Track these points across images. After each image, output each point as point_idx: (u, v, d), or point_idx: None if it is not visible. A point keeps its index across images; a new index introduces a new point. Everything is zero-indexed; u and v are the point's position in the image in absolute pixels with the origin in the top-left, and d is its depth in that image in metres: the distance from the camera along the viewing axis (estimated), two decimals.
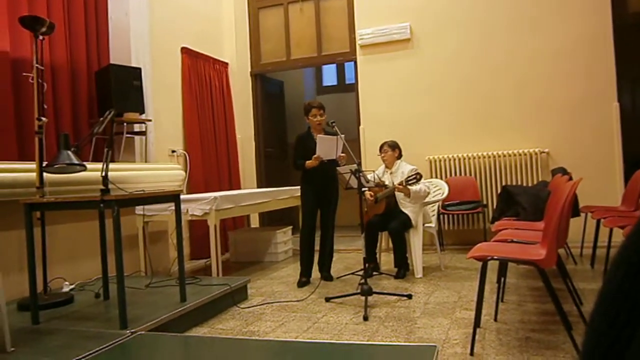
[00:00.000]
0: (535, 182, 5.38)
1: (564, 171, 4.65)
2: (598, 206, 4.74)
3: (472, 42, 5.85)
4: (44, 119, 3.39)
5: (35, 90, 3.40)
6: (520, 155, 5.61)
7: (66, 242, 4.04)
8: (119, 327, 2.78)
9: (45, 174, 3.38)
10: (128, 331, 2.73)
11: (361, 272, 3.80)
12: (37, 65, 3.40)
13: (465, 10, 5.87)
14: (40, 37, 3.44)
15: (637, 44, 5.51)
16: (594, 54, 5.41)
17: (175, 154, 5.52)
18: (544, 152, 5.55)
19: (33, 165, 3.43)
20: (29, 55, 3.89)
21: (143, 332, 2.78)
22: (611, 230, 4.02)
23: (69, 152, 3.17)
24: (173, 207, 3.43)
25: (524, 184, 5.46)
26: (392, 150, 4.68)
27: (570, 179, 3.69)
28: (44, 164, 3.32)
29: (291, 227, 6.09)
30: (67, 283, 3.81)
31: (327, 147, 4.19)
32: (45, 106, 3.53)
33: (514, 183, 5.55)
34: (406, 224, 4.44)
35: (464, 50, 5.88)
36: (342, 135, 4.14)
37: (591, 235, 4.44)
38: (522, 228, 3.72)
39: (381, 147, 4.75)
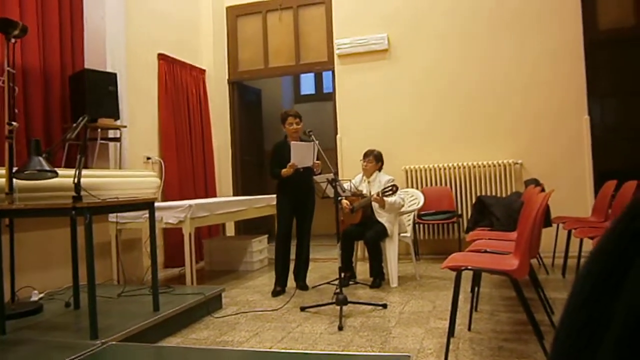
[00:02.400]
0: (509, 193, 5.46)
1: (536, 182, 4.74)
2: (569, 217, 4.84)
3: (449, 55, 5.95)
4: (14, 123, 3.32)
5: (6, 93, 3.33)
6: (494, 166, 5.70)
7: (36, 250, 3.94)
8: (89, 337, 2.72)
9: (15, 180, 3.30)
10: (99, 341, 2.67)
11: (337, 282, 3.79)
12: (8, 68, 3.33)
13: (443, 23, 5.96)
14: (12, 40, 3.38)
15: (607, 59, 5.69)
16: (566, 69, 5.55)
17: (150, 161, 5.45)
18: (517, 164, 5.65)
19: (2, 171, 3.35)
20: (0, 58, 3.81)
21: (114, 343, 2.72)
22: (581, 241, 4.12)
23: (40, 158, 3.11)
24: (147, 215, 3.39)
25: (498, 195, 5.54)
26: (376, 162, 4.69)
27: (543, 190, 3.77)
28: (14, 169, 3.25)
29: (267, 235, 6.05)
30: (36, 292, 3.71)
31: (301, 154, 4.18)
32: (16, 110, 3.46)
33: (489, 193, 5.63)
34: (382, 233, 4.46)
35: (441, 62, 5.97)
36: (317, 142, 4.14)
37: (563, 245, 4.53)
38: (496, 238, 3.77)
39: (366, 154, 4.73)
